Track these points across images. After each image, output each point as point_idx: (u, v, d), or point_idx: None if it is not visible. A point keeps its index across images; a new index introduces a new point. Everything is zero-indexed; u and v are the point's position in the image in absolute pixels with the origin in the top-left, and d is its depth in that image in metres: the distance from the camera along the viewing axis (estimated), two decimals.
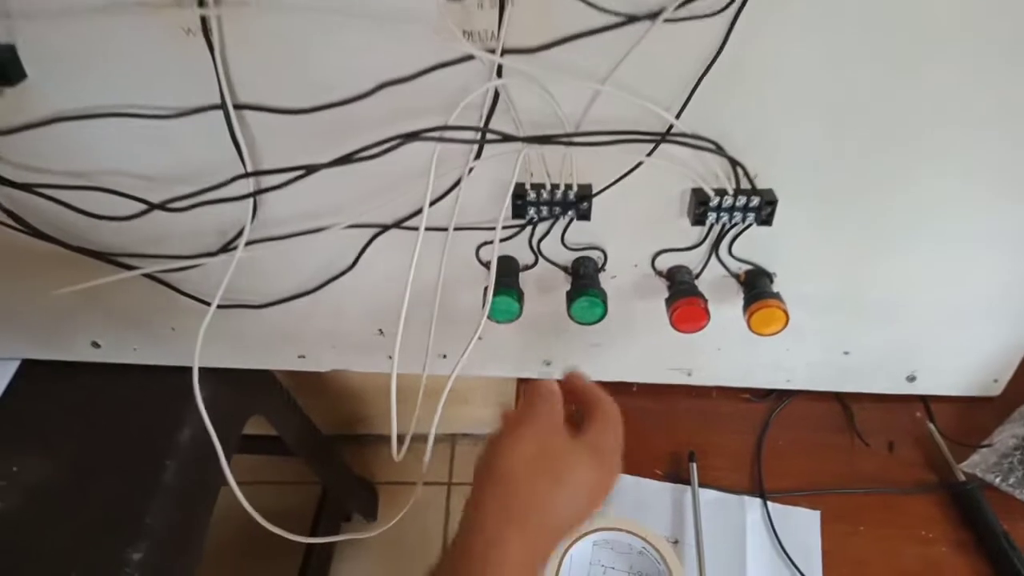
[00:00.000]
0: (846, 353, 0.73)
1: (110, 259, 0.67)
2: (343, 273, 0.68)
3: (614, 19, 0.48)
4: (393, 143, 0.45)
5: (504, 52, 0.49)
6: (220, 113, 0.54)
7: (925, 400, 0.78)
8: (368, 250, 0.66)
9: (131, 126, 0.56)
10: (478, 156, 0.55)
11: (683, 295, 0.62)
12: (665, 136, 0.53)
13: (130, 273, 0.64)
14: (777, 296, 0.62)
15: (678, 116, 0.53)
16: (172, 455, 0.75)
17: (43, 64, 0.53)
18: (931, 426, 0.76)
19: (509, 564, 0.40)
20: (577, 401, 0.51)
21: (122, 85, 0.55)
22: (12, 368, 0.84)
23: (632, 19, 0.48)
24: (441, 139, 0.47)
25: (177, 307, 0.71)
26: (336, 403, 1.47)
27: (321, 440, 1.20)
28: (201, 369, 0.80)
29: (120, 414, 0.78)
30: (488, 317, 0.62)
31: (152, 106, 0.55)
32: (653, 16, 0.47)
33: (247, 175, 0.50)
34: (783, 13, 0.47)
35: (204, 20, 0.50)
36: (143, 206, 0.59)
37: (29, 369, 0.83)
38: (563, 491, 0.44)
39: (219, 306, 0.69)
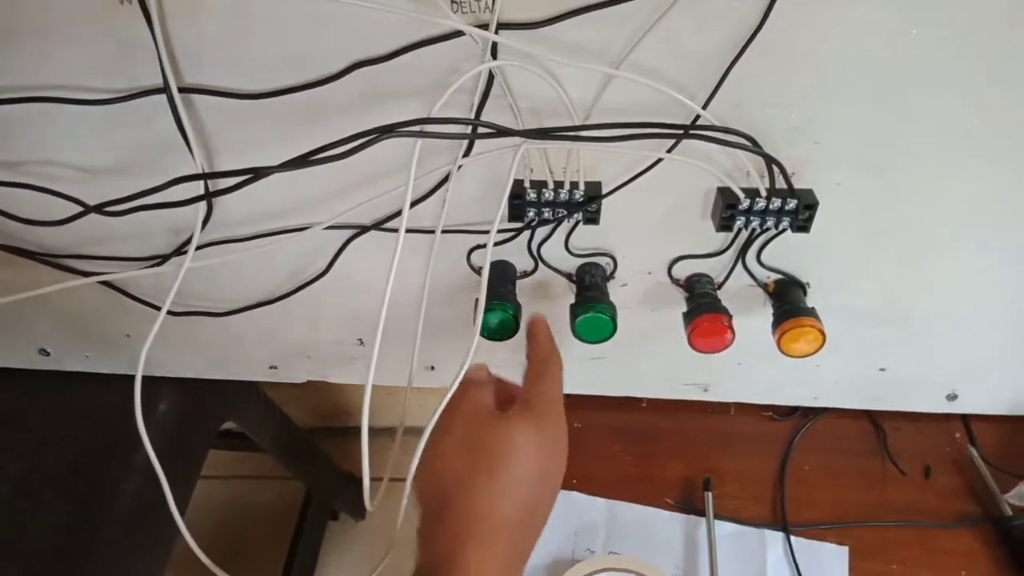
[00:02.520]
0: (882, 370, 0.66)
1: (47, 260, 0.59)
2: (316, 278, 0.60)
3: None
4: (361, 141, 0.36)
5: (500, 27, 0.42)
6: (164, 98, 0.46)
7: (965, 420, 0.71)
8: (344, 253, 0.58)
9: (60, 112, 0.48)
10: (467, 153, 0.47)
11: (705, 311, 0.54)
12: (690, 129, 0.45)
13: (71, 283, 0.55)
14: (812, 313, 0.55)
15: (706, 105, 0.46)
16: (128, 478, 0.67)
17: None
18: (972, 450, 0.68)
19: None
20: (530, 347, 0.50)
21: (45, 63, 0.47)
22: None
23: None
24: (422, 134, 0.39)
25: (131, 312, 0.64)
26: (318, 395, 1.39)
27: (303, 441, 1.12)
28: (165, 378, 0.73)
29: (71, 429, 0.70)
30: (481, 334, 0.54)
31: (82, 87, 0.48)
32: None
33: (188, 178, 0.42)
34: None
35: None
36: (78, 208, 0.50)
37: None
38: (504, 481, 0.39)
39: (174, 313, 0.62)
